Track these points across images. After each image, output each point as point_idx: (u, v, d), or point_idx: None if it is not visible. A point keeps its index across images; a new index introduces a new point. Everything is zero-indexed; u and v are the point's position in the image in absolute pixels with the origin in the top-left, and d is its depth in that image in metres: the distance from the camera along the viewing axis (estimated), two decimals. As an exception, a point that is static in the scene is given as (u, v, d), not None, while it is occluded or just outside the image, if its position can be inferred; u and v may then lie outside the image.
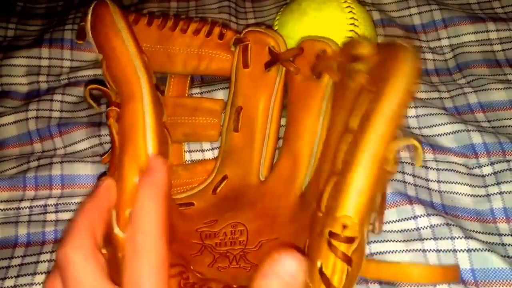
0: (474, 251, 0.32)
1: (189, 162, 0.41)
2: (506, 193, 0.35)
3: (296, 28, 0.38)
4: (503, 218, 0.35)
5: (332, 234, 0.24)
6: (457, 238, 0.33)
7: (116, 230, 0.28)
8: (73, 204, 0.39)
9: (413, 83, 0.24)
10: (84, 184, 0.40)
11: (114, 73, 0.31)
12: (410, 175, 0.36)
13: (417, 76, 0.24)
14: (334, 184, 0.26)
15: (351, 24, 0.37)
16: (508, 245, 0.33)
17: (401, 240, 0.33)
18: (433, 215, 0.34)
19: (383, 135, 0.24)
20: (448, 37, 0.46)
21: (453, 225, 0.33)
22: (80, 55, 0.48)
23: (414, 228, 0.34)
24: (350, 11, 0.37)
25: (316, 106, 0.33)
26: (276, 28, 0.40)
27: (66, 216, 0.39)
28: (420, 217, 0.34)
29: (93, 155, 0.42)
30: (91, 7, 0.34)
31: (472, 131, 0.38)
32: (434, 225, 0.33)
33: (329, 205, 0.25)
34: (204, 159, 0.41)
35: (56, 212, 0.39)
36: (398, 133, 0.24)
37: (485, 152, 0.37)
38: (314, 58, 0.34)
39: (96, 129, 0.43)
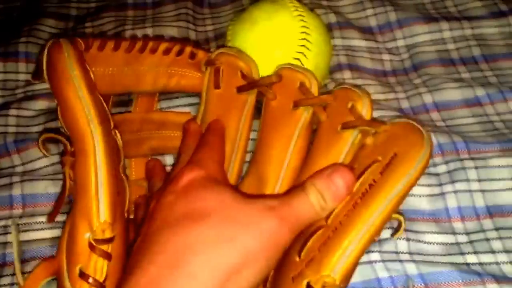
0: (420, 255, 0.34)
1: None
2: (460, 191, 0.37)
3: (247, 38, 0.39)
4: (457, 217, 0.36)
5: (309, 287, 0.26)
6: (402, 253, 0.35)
7: (67, 285, 0.30)
8: (34, 223, 0.39)
9: (425, 170, 0.27)
10: (46, 203, 0.40)
11: (67, 123, 0.32)
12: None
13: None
14: (323, 238, 0.27)
15: (302, 32, 0.38)
16: (462, 243, 0.35)
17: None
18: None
19: (384, 214, 0.27)
20: (404, 38, 0.48)
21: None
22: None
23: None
24: (302, 19, 0.38)
25: (288, 133, 0.34)
26: (229, 38, 0.41)
27: (28, 236, 0.38)
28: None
29: (54, 172, 0.42)
30: (46, 48, 0.34)
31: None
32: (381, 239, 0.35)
33: (313, 256, 0.27)
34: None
35: (17, 232, 0.38)
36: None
37: (439, 152, 0.39)
38: (295, 89, 0.35)
39: (55, 145, 0.43)
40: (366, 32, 0.49)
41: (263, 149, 0.35)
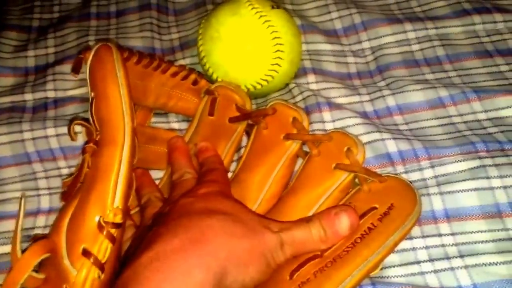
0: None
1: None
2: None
3: (222, 58, 0.42)
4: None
5: None
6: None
7: (66, 263, 0.32)
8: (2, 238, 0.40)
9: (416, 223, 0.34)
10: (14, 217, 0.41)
11: (101, 114, 0.36)
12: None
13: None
14: (318, 266, 0.32)
15: (272, 35, 0.41)
16: (418, 249, 0.35)
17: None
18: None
19: (381, 256, 0.32)
20: (369, 40, 0.48)
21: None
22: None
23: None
24: (266, 21, 0.41)
25: (274, 161, 0.38)
26: (202, 55, 0.43)
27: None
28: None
29: (22, 189, 0.43)
30: (95, 48, 0.38)
31: (387, 139, 0.40)
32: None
33: (308, 279, 0.31)
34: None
35: None
36: None
37: (400, 160, 0.40)
38: (287, 122, 0.39)
39: (27, 166, 0.44)
40: (331, 35, 0.49)
41: (248, 171, 0.39)
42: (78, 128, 0.42)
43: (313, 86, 0.45)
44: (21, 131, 0.44)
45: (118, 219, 0.33)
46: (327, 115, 0.42)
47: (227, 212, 0.31)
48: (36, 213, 0.42)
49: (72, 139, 0.40)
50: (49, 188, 0.43)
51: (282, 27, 0.42)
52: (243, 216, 0.32)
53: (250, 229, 0.31)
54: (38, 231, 0.41)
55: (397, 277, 0.35)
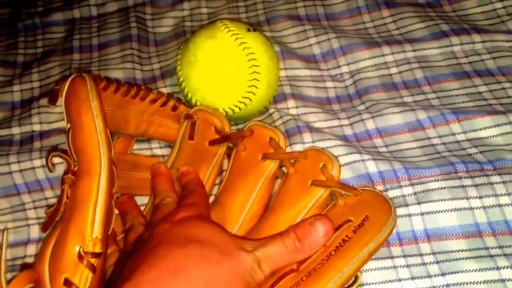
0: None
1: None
2: (400, 217, 0.38)
3: (200, 82, 0.43)
4: (396, 242, 0.38)
5: None
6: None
7: None
8: None
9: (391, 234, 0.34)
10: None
11: (77, 145, 0.37)
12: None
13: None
14: (295, 280, 0.32)
15: (248, 57, 0.43)
16: (399, 267, 0.36)
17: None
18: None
19: (355, 266, 0.32)
20: (347, 64, 0.50)
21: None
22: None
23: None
24: (243, 43, 0.43)
25: (253, 182, 0.40)
26: (181, 80, 0.44)
27: None
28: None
29: (12, 220, 0.44)
30: (70, 78, 0.40)
31: (367, 160, 0.41)
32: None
33: None
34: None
35: None
36: None
37: (380, 180, 0.40)
38: (264, 143, 0.40)
39: (16, 197, 0.45)
40: (310, 60, 0.51)
41: (228, 193, 0.40)
42: (57, 159, 0.43)
43: (293, 111, 0.46)
44: (8, 164, 0.46)
45: (98, 249, 0.34)
46: (307, 136, 0.43)
47: (203, 238, 0.32)
48: (26, 242, 0.43)
49: (50, 171, 0.41)
50: (37, 218, 0.44)
51: (259, 49, 0.43)
52: (218, 241, 0.32)
53: (226, 253, 0.31)
54: (29, 260, 0.42)
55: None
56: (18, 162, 0.46)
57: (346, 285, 0.33)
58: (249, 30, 0.44)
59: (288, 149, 0.43)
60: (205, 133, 0.42)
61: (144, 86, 0.46)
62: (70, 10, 0.60)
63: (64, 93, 0.39)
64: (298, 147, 0.43)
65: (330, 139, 0.43)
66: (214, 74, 0.42)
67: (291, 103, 0.47)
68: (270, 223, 0.37)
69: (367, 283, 0.36)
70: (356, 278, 0.33)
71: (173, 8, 0.58)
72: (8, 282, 0.34)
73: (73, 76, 0.40)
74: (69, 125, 0.38)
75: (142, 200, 0.43)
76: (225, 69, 0.42)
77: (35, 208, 0.45)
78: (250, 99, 0.43)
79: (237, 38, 0.42)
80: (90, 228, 0.34)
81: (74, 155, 0.37)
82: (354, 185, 0.40)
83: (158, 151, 0.46)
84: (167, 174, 0.41)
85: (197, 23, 0.56)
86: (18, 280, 0.34)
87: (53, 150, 0.42)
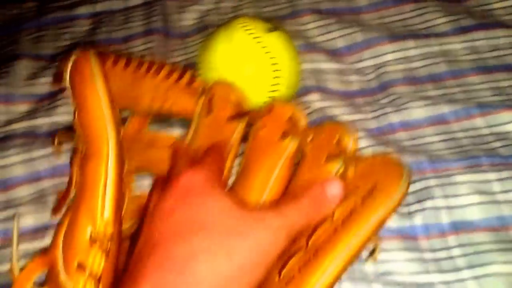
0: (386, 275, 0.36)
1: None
2: (427, 209, 0.39)
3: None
4: (423, 235, 0.38)
5: None
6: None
7: (63, 277, 0.33)
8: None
9: (402, 202, 0.31)
10: (24, 233, 0.43)
11: (84, 125, 0.36)
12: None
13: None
14: (303, 259, 0.30)
15: (271, 62, 0.42)
16: (428, 261, 0.37)
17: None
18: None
19: (364, 239, 0.30)
20: (371, 58, 0.50)
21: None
22: (12, 108, 0.51)
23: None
24: (263, 46, 0.42)
25: (273, 162, 0.37)
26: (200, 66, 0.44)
27: (5, 267, 0.41)
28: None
29: (34, 204, 0.45)
30: (72, 56, 0.38)
31: (392, 152, 0.42)
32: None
33: (293, 275, 0.30)
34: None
35: None
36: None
37: (405, 172, 0.41)
38: (284, 121, 0.38)
39: (37, 183, 0.46)
40: (334, 54, 0.51)
41: (246, 175, 0.38)
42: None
43: (317, 104, 0.47)
44: (31, 150, 0.47)
45: (109, 231, 0.34)
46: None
47: (210, 222, 0.29)
48: (46, 228, 0.43)
49: (57, 151, 0.41)
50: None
51: (279, 51, 0.42)
52: (232, 218, 0.29)
53: (242, 235, 0.28)
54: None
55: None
56: (40, 148, 0.47)
57: (367, 256, 0.32)
58: (269, 31, 0.43)
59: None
60: (222, 109, 0.40)
61: (158, 60, 0.44)
62: (95, 4, 0.61)
63: (68, 72, 0.38)
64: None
65: (356, 130, 0.43)
66: (234, 80, 0.41)
67: (315, 96, 0.47)
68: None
69: (396, 273, 0.36)
70: (375, 248, 0.32)
71: (197, 1, 0.59)
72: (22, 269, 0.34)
73: (75, 54, 0.39)
74: (75, 106, 0.38)
75: None
76: (245, 75, 0.42)
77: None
78: (271, 104, 0.42)
79: (258, 42, 0.42)
80: (100, 210, 0.34)
81: (81, 136, 0.37)
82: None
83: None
84: (185, 153, 0.38)
85: (221, 16, 0.57)
86: (31, 266, 0.33)
87: (60, 130, 0.42)
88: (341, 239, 0.30)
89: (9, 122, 0.51)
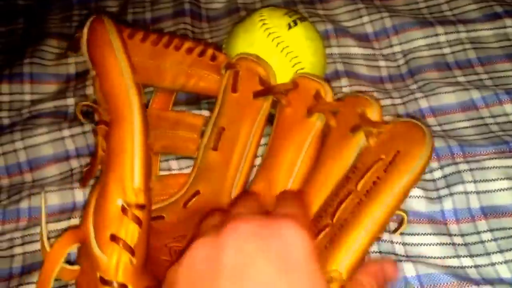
0: (418, 257, 0.36)
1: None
2: (456, 194, 0.39)
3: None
4: (453, 219, 0.39)
5: None
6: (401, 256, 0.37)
7: (96, 250, 0.31)
8: (38, 234, 0.42)
9: (426, 167, 0.30)
10: (51, 213, 0.43)
11: (106, 92, 0.35)
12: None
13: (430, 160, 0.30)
14: (329, 236, 0.30)
15: (289, 58, 0.41)
16: (458, 245, 0.37)
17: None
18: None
19: (389, 209, 0.29)
20: (400, 43, 0.50)
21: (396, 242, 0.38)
22: (41, 88, 0.52)
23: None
24: (279, 43, 0.41)
25: (301, 140, 0.37)
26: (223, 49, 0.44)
27: (33, 247, 0.41)
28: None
29: (60, 184, 0.45)
30: (88, 22, 0.38)
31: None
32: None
33: (319, 253, 0.28)
34: (177, 173, 0.44)
35: (22, 244, 0.42)
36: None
37: (435, 157, 0.41)
38: (310, 97, 0.37)
39: (65, 162, 0.46)
40: (363, 39, 0.51)
41: (275, 155, 0.38)
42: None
43: (346, 89, 0.47)
44: (60, 129, 0.47)
45: (141, 200, 0.32)
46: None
47: None
48: (72, 208, 0.43)
49: (82, 121, 0.40)
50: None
51: (301, 48, 0.41)
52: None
53: None
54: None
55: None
56: (70, 127, 0.47)
57: (395, 228, 0.33)
58: (290, 27, 0.41)
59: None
60: (249, 84, 0.39)
61: (179, 35, 0.44)
62: (124, -16, 0.61)
63: (84, 39, 0.37)
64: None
65: (385, 115, 0.43)
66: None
67: (344, 81, 0.48)
68: (320, 182, 0.34)
69: (427, 256, 0.37)
70: (403, 220, 0.32)
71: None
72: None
73: (91, 19, 0.38)
74: (94, 72, 0.36)
75: (186, 163, 0.44)
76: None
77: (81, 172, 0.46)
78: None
79: (278, 44, 0.41)
80: (130, 178, 0.32)
81: (103, 103, 0.35)
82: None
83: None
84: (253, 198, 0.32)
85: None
86: (62, 240, 0.32)
87: (81, 101, 0.40)
88: (365, 212, 0.29)
89: (37, 102, 0.51)
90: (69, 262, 0.33)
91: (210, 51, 0.41)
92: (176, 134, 0.42)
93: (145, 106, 0.35)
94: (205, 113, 0.45)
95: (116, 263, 0.31)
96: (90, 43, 0.37)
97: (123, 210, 0.32)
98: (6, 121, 0.50)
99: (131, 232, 0.32)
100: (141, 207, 0.32)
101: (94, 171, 0.38)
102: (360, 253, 0.29)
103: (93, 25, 0.38)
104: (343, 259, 0.28)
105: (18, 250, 0.42)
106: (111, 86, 0.35)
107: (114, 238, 0.31)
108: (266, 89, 0.39)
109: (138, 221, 0.32)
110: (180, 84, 0.41)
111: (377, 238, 0.30)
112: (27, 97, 0.52)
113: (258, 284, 0.22)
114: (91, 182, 0.42)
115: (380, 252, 0.37)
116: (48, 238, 0.33)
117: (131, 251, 0.31)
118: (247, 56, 0.40)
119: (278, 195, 0.35)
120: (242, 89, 0.39)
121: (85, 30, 0.38)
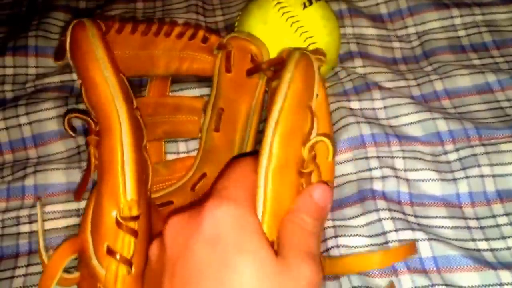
0: (434, 240, 0.36)
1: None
2: (471, 177, 0.39)
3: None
4: (468, 202, 0.38)
5: None
6: (418, 230, 0.36)
7: (94, 262, 0.31)
8: (46, 213, 0.41)
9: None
10: (58, 192, 0.42)
11: (91, 102, 0.34)
12: (377, 168, 0.39)
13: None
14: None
15: (303, 37, 0.40)
16: (473, 228, 0.37)
17: (365, 235, 0.36)
18: (395, 211, 0.37)
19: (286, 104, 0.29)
20: (414, 25, 0.49)
21: (411, 215, 0.37)
22: (46, 61, 0.51)
23: (377, 220, 0.37)
24: (293, 22, 0.40)
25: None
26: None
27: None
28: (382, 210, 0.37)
29: (67, 162, 0.44)
30: (69, 28, 0.36)
31: (438, 119, 0.41)
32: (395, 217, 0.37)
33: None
34: (183, 157, 0.44)
35: (30, 223, 0.41)
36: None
37: (450, 139, 0.41)
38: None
39: (72, 139, 0.45)
40: (377, 20, 0.51)
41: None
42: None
43: (360, 70, 0.46)
44: (67, 104, 0.46)
45: (135, 212, 0.32)
46: (376, 93, 0.43)
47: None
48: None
49: (71, 135, 0.38)
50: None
51: (316, 28, 0.41)
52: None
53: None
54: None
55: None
56: (76, 103, 0.46)
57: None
58: (305, 6, 0.41)
59: (356, 104, 0.43)
60: (242, 63, 0.39)
61: (168, 20, 0.43)
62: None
63: (67, 46, 0.36)
64: (367, 104, 0.43)
65: (400, 97, 0.43)
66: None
67: (358, 62, 0.47)
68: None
69: (442, 239, 0.36)
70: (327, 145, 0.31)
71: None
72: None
73: (72, 24, 0.36)
74: (80, 81, 0.35)
75: (189, 146, 0.43)
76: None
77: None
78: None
79: (292, 23, 0.40)
80: (122, 191, 0.31)
81: (93, 113, 0.34)
82: (423, 143, 0.41)
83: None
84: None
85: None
86: (61, 251, 0.32)
87: (70, 112, 0.39)
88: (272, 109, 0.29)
89: (42, 76, 0.50)
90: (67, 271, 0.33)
91: (201, 33, 0.41)
92: (176, 118, 0.43)
93: (134, 115, 0.34)
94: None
95: (114, 276, 0.31)
96: (72, 51, 0.36)
97: (118, 223, 0.31)
98: (9, 95, 0.49)
99: (127, 244, 0.32)
100: (135, 218, 0.32)
101: (86, 184, 0.37)
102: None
103: (74, 31, 0.36)
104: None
105: (24, 228, 0.41)
106: (96, 96, 0.33)
107: (110, 251, 0.31)
108: (255, 67, 0.39)
109: (134, 233, 0.32)
110: (174, 68, 0.41)
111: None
112: (32, 71, 0.50)
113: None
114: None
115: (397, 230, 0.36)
116: (48, 249, 0.33)
117: (129, 263, 0.31)
118: (238, 35, 0.40)
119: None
120: (236, 69, 0.40)
121: (67, 37, 0.36)
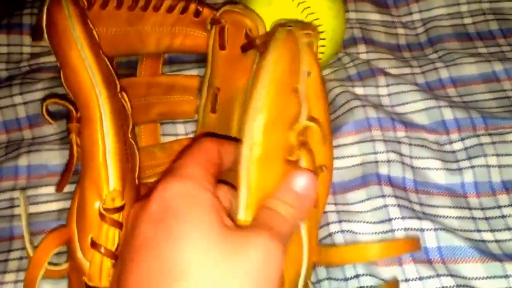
0: (440, 230, 0.35)
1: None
2: (476, 167, 0.38)
3: None
4: (473, 192, 0.37)
5: None
6: (424, 220, 0.35)
7: (79, 255, 0.30)
8: (40, 195, 0.40)
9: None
10: (52, 173, 0.41)
11: (71, 87, 0.31)
12: (383, 152, 0.39)
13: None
14: None
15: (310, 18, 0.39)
16: (478, 219, 0.36)
17: (370, 222, 0.36)
18: (400, 198, 0.36)
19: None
20: (420, 11, 0.49)
21: (416, 203, 0.37)
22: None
23: (382, 206, 0.36)
24: (309, 14, 0.39)
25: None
26: None
27: (34, 208, 0.40)
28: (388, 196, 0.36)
29: (61, 143, 0.43)
30: (45, 7, 0.33)
31: (444, 107, 0.41)
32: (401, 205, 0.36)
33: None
34: (181, 138, 0.43)
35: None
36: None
37: (456, 128, 0.40)
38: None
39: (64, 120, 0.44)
40: (381, 5, 0.50)
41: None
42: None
43: (364, 56, 0.45)
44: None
45: (118, 203, 0.30)
46: (382, 80, 0.42)
47: (195, 266, 0.24)
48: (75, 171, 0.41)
49: (49, 122, 0.35)
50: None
51: (322, 9, 0.40)
52: (213, 246, 0.24)
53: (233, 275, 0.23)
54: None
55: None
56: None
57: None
58: None
59: (360, 90, 0.42)
60: (236, 39, 0.36)
61: None
62: None
63: (44, 26, 0.33)
64: (372, 90, 0.42)
65: (405, 84, 0.42)
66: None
67: (361, 47, 0.46)
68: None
69: (447, 229, 0.35)
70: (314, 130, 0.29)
71: None
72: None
73: (47, 2, 0.33)
74: (58, 63, 0.32)
75: (187, 128, 0.43)
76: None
77: None
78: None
79: (299, 3, 0.39)
80: (105, 181, 0.30)
81: (73, 99, 0.32)
82: (428, 131, 0.40)
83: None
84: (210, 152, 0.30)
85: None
86: (45, 245, 0.31)
87: (48, 97, 0.37)
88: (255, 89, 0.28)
89: (37, 55, 0.49)
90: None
91: (193, 7, 0.38)
92: (171, 99, 0.41)
93: (116, 100, 0.32)
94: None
95: (98, 269, 0.30)
96: (48, 32, 0.33)
97: (101, 216, 0.30)
98: (3, 74, 0.48)
99: (111, 236, 0.30)
100: (118, 209, 0.30)
101: (70, 174, 0.35)
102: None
103: (50, 11, 0.33)
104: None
105: (19, 210, 0.40)
106: (74, 81, 0.31)
107: (94, 244, 0.30)
108: (249, 43, 0.36)
109: (118, 224, 0.30)
110: (165, 45, 0.39)
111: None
112: (27, 50, 0.49)
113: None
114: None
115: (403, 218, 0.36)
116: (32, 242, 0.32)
117: (113, 256, 0.30)
118: (232, 8, 0.37)
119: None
120: (230, 46, 0.37)
121: (43, 16, 0.33)
